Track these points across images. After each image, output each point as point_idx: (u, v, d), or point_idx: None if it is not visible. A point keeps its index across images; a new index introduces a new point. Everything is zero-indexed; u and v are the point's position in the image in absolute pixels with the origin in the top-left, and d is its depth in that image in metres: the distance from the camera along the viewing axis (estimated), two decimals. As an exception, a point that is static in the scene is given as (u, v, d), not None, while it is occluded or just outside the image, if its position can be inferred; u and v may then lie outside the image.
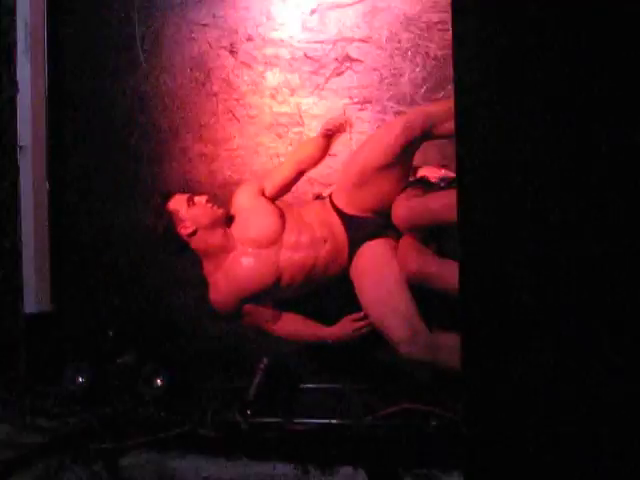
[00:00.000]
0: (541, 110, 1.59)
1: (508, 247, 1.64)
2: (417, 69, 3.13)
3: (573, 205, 1.56)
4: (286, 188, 2.95)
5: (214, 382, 3.13)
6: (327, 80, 3.23)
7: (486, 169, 1.65)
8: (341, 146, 3.20)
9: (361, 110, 3.20)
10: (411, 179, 2.94)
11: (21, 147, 3.27)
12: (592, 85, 1.55)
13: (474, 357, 1.69)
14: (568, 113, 1.57)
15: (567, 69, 1.57)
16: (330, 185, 3.13)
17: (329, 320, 2.92)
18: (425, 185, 2.88)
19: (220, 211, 2.81)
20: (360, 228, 2.85)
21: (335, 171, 3.17)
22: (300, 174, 2.95)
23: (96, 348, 3.32)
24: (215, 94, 3.37)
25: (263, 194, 2.89)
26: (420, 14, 3.14)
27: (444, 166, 3.01)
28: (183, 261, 3.38)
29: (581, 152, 1.55)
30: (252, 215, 2.85)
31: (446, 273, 2.60)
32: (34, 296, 3.30)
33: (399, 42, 3.15)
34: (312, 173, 3.17)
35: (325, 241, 2.81)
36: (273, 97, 3.30)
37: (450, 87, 3.02)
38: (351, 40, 3.20)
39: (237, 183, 3.35)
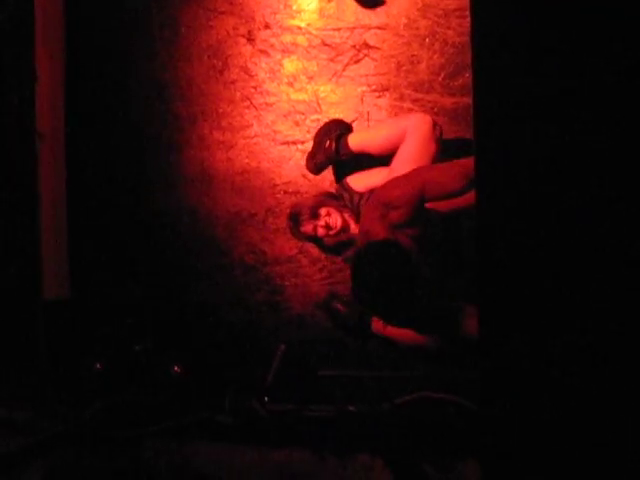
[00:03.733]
0: (563, 99, 1.58)
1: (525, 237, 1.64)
2: (435, 56, 3.11)
3: (594, 201, 1.55)
4: None
5: (231, 369, 3.15)
6: (345, 67, 3.23)
7: (506, 164, 1.64)
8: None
9: (379, 97, 3.19)
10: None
11: (41, 135, 3.29)
12: (618, 74, 1.54)
13: (491, 347, 1.69)
14: (590, 103, 1.56)
15: (587, 54, 1.55)
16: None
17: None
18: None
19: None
20: None
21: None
22: None
23: (114, 335, 3.35)
24: (233, 82, 3.37)
25: None
26: (438, 1, 3.12)
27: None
28: (200, 249, 3.41)
29: (606, 147, 1.54)
30: None
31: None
32: (53, 283, 3.33)
33: (417, 29, 3.14)
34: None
35: None
36: (291, 84, 3.30)
37: (468, 74, 3.02)
38: (369, 27, 3.19)
39: (255, 170, 3.37)
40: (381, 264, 2.52)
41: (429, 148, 2.89)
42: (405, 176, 2.73)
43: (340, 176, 3.23)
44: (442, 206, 2.70)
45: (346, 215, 3.11)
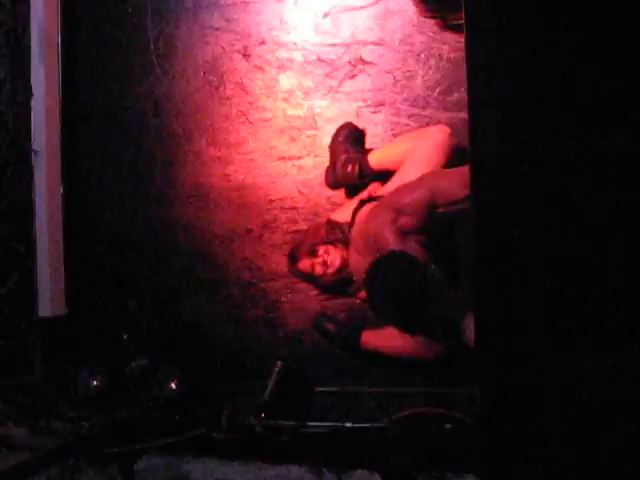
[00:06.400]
0: (560, 111, 1.58)
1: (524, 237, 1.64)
2: (430, 71, 3.12)
3: (597, 207, 1.56)
4: None
5: (228, 385, 3.14)
6: (340, 83, 3.23)
7: (502, 181, 1.65)
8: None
9: (374, 113, 3.20)
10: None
11: (35, 152, 3.29)
12: (615, 83, 1.54)
13: (488, 358, 1.69)
14: (589, 114, 1.56)
15: (583, 67, 1.56)
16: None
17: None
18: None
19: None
20: None
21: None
22: None
23: (110, 352, 3.34)
24: (229, 98, 3.38)
25: None
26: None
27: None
28: (196, 265, 3.41)
29: (605, 154, 1.55)
30: None
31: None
32: (48, 300, 3.32)
33: (412, 44, 3.15)
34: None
35: None
36: (286, 100, 3.31)
37: (463, 89, 3.03)
38: (364, 43, 3.20)
39: (251, 186, 3.37)
40: (398, 276, 2.51)
41: (438, 155, 2.87)
42: (417, 182, 2.72)
43: (352, 192, 3.21)
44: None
45: (344, 252, 3.09)
